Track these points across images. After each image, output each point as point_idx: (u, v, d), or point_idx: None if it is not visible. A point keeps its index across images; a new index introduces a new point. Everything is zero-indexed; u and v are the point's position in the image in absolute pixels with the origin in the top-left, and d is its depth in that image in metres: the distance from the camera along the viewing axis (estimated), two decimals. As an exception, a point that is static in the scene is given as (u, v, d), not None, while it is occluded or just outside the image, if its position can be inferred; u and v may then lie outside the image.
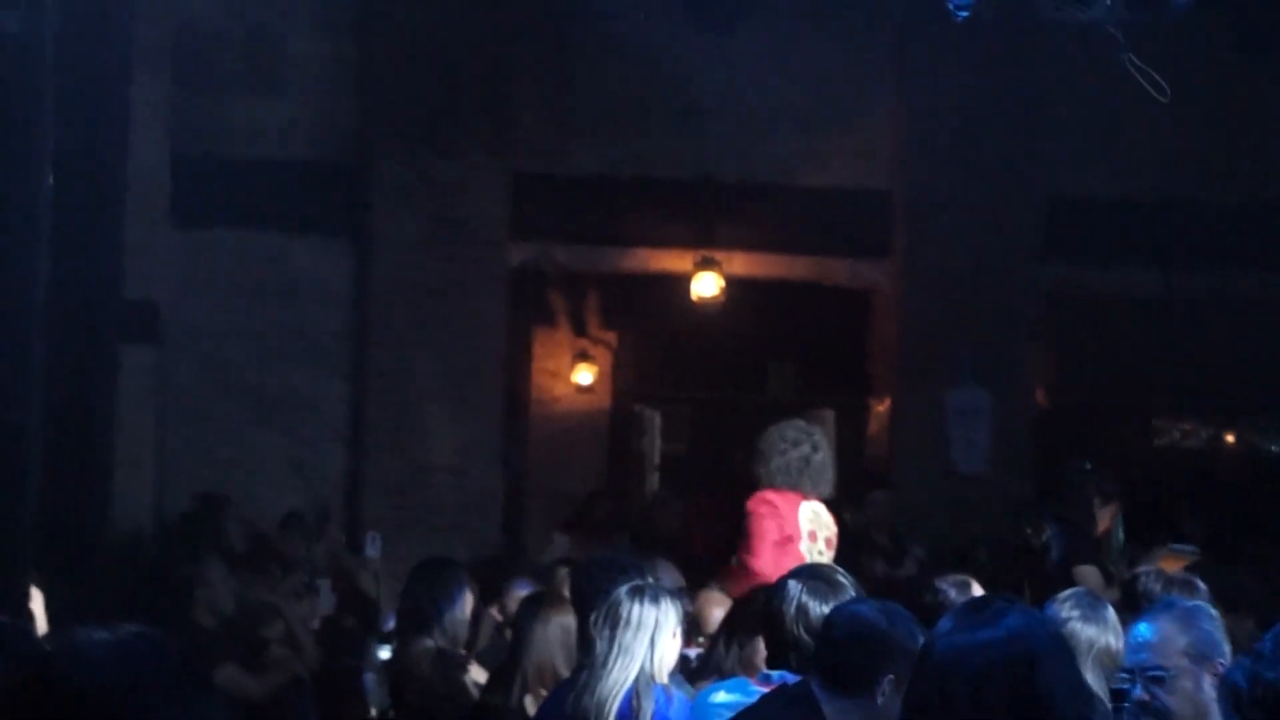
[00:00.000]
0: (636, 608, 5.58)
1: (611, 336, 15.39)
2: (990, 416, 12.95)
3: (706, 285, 13.15)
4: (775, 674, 4.99)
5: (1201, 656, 4.30)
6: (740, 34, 12.60)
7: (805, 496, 7.75)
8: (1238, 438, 15.14)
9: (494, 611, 8.54)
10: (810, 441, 7.80)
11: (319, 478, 12.54)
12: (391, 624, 8.55)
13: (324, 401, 12.71)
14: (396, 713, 7.58)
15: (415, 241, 12.54)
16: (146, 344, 11.84)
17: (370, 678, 8.22)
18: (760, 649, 5.43)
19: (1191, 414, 14.97)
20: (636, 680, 5.53)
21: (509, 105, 12.67)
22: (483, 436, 12.57)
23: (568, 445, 14.99)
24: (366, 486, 12.48)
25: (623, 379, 15.46)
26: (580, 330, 15.27)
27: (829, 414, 15.15)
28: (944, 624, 3.15)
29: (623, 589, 5.66)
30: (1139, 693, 4.26)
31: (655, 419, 16.36)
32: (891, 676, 4.40)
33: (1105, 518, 9.40)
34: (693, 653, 6.81)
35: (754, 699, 4.94)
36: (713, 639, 6.51)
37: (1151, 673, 4.25)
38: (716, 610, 6.85)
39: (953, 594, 5.89)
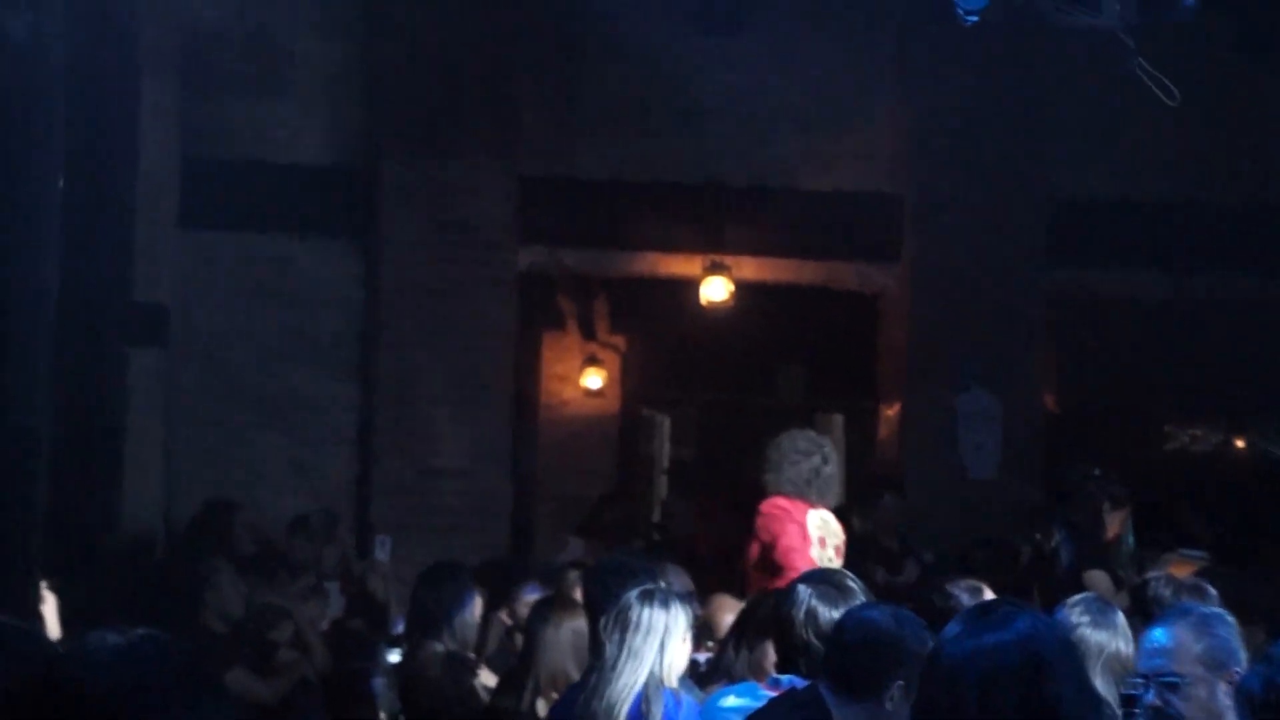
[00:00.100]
0: (646, 612, 5.58)
1: (620, 340, 15.39)
2: (999, 420, 12.94)
3: (715, 289, 13.15)
4: (785, 678, 5.00)
5: (1217, 664, 4.28)
6: (744, 37, 12.59)
7: (813, 505, 7.80)
8: (1246, 442, 15.12)
9: (503, 615, 8.55)
10: (821, 453, 7.87)
11: (327, 481, 12.53)
12: (400, 627, 8.56)
13: (332, 405, 12.71)
14: (406, 716, 7.59)
15: (422, 245, 12.54)
16: (154, 347, 11.85)
17: (379, 681, 8.22)
18: (770, 653, 5.43)
19: (1200, 418, 14.94)
20: (646, 684, 5.54)
21: (515, 108, 12.67)
22: (491, 440, 12.57)
23: (577, 449, 14.99)
24: (375, 490, 12.48)
25: (631, 383, 15.46)
26: (589, 334, 15.27)
27: (837, 418, 15.17)
28: (952, 628, 3.15)
29: (633, 593, 5.67)
30: (1151, 698, 4.25)
31: (664, 423, 16.38)
32: (901, 682, 4.40)
33: (1115, 523, 9.40)
34: (702, 657, 6.82)
35: (763, 703, 4.94)
36: (722, 643, 6.52)
37: (1165, 679, 4.24)
38: (728, 615, 6.86)
39: (964, 598, 5.89)
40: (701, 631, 7.13)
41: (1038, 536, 9.61)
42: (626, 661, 5.55)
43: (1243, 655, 4.40)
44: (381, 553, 10.71)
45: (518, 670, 6.72)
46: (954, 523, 12.43)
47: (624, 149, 12.96)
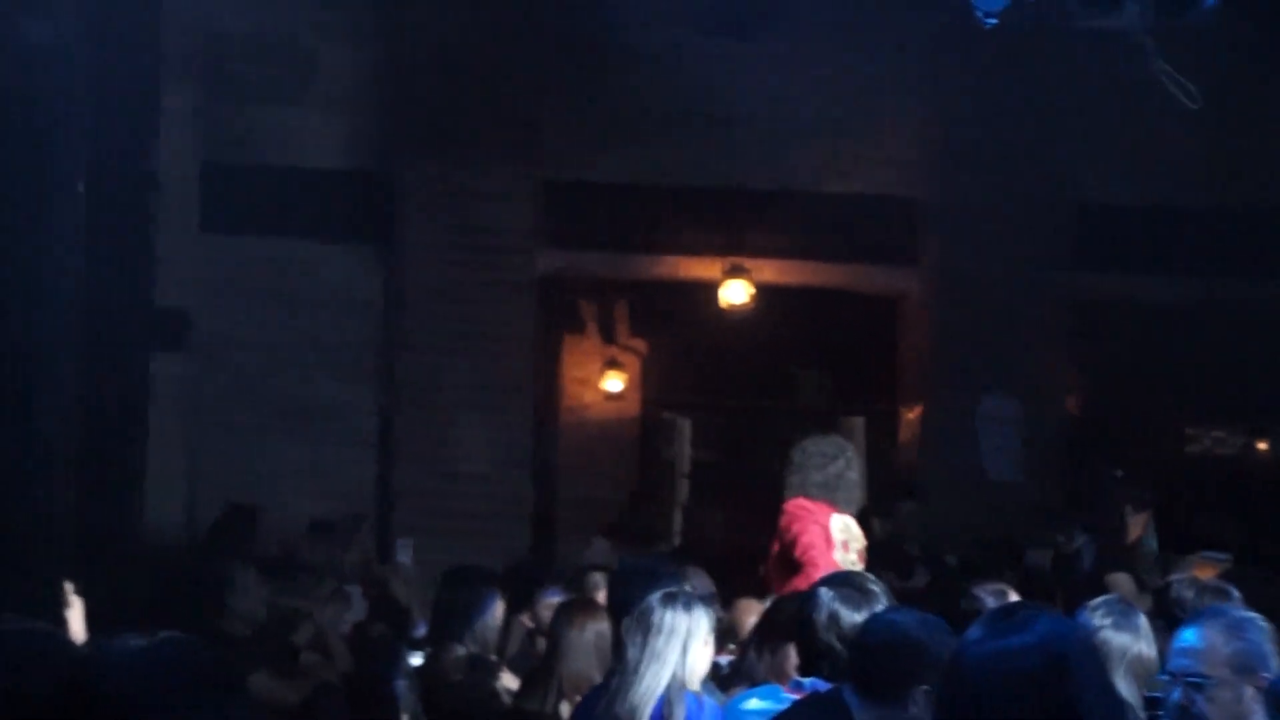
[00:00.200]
0: (669, 614, 5.59)
1: (641, 344, 15.40)
2: (1022, 424, 12.93)
3: (736, 293, 13.15)
4: (807, 681, 4.99)
5: (1245, 668, 4.27)
6: (767, 42, 12.59)
7: (836, 509, 7.82)
8: (1270, 444, 15.09)
9: (524, 619, 8.55)
10: (844, 458, 7.89)
11: (348, 485, 12.55)
12: (422, 631, 8.57)
13: (353, 409, 12.73)
14: (428, 719, 7.59)
15: (443, 249, 12.56)
16: (175, 351, 11.87)
17: (401, 684, 8.21)
18: (792, 656, 5.43)
19: (1223, 421, 14.92)
20: (668, 687, 5.54)
21: (536, 113, 12.69)
22: (512, 444, 12.58)
23: (597, 452, 15.00)
24: (396, 494, 12.50)
25: (652, 386, 15.47)
26: (609, 338, 15.28)
27: (858, 421, 15.16)
28: (974, 631, 3.14)
29: (655, 596, 5.67)
30: (1178, 696, 4.24)
31: (684, 426, 16.37)
32: (926, 687, 4.38)
33: (1137, 525, 9.40)
34: (724, 660, 6.82)
35: (785, 706, 4.94)
36: (744, 646, 6.52)
37: (1192, 679, 4.23)
38: (752, 618, 6.86)
39: (990, 602, 5.88)
40: (725, 635, 7.14)
41: (1059, 539, 9.61)
42: (649, 664, 5.56)
43: (1274, 660, 4.37)
44: (403, 556, 10.73)
45: (540, 673, 6.73)
46: (975, 526, 12.41)
47: (644, 153, 12.97)
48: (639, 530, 13.07)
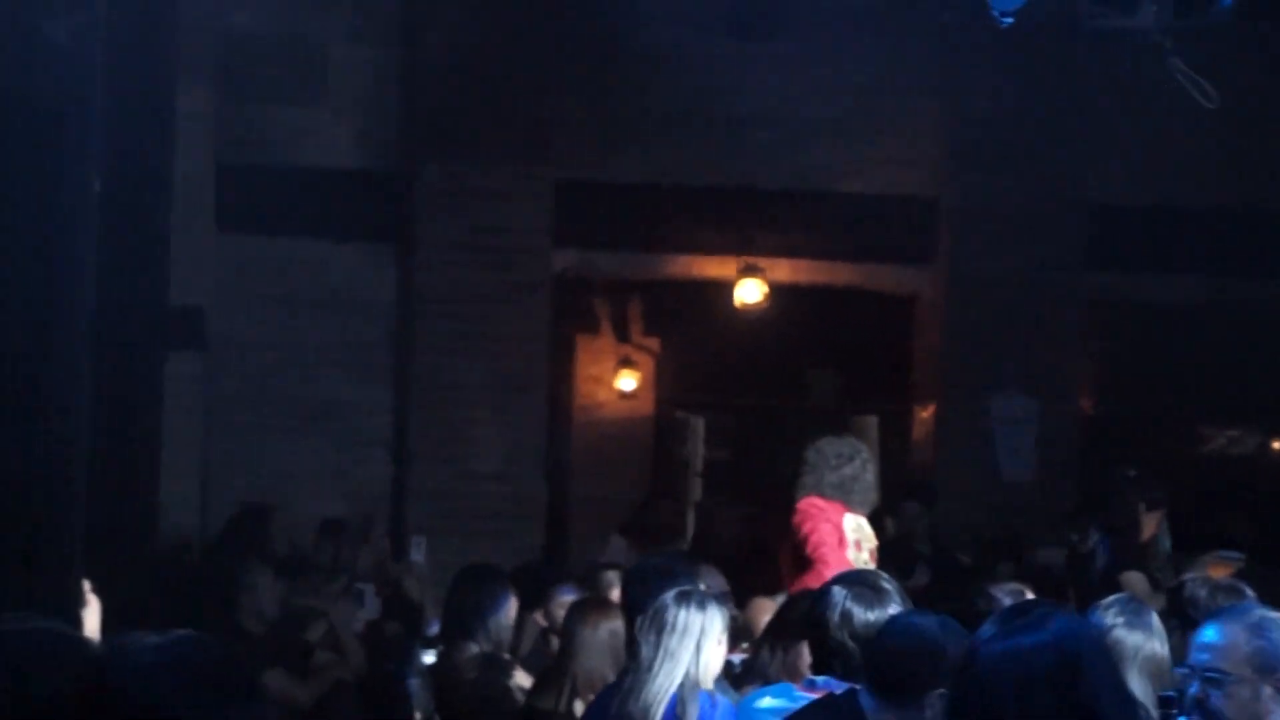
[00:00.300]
0: (683, 613, 5.59)
1: (654, 343, 15.40)
2: (1035, 424, 12.92)
3: (749, 292, 13.15)
4: (820, 680, 4.99)
5: (1265, 667, 4.25)
6: (781, 41, 12.59)
7: (850, 509, 7.85)
8: (1283, 444, 15.07)
9: (538, 617, 8.56)
10: (860, 459, 7.92)
11: (362, 484, 12.58)
12: (436, 629, 8.58)
13: (367, 408, 12.75)
14: (441, 717, 7.60)
15: (458, 249, 12.57)
16: (190, 351, 11.89)
17: (415, 683, 8.23)
18: (805, 654, 5.43)
19: (1238, 420, 14.89)
20: (681, 685, 5.55)
21: (550, 113, 12.70)
22: (526, 443, 12.60)
23: (611, 451, 15.01)
24: (410, 493, 12.52)
25: (665, 385, 15.47)
26: (623, 337, 15.28)
27: (872, 421, 15.15)
28: (987, 629, 3.15)
29: (669, 594, 5.68)
30: (1195, 691, 4.24)
31: (698, 425, 16.37)
32: (942, 691, 4.38)
33: (1150, 524, 9.39)
34: (737, 658, 6.82)
35: (799, 705, 4.94)
36: (757, 644, 6.52)
37: (1210, 674, 4.22)
38: (767, 617, 6.87)
39: (1006, 601, 5.87)
40: (739, 633, 7.14)
41: (1073, 538, 9.61)
42: (662, 663, 5.56)
43: None
44: (417, 554, 10.74)
45: (554, 671, 6.74)
46: (988, 526, 12.42)
47: (658, 152, 12.97)
48: (655, 529, 13.09)
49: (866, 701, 4.55)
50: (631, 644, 5.87)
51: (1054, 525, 11.60)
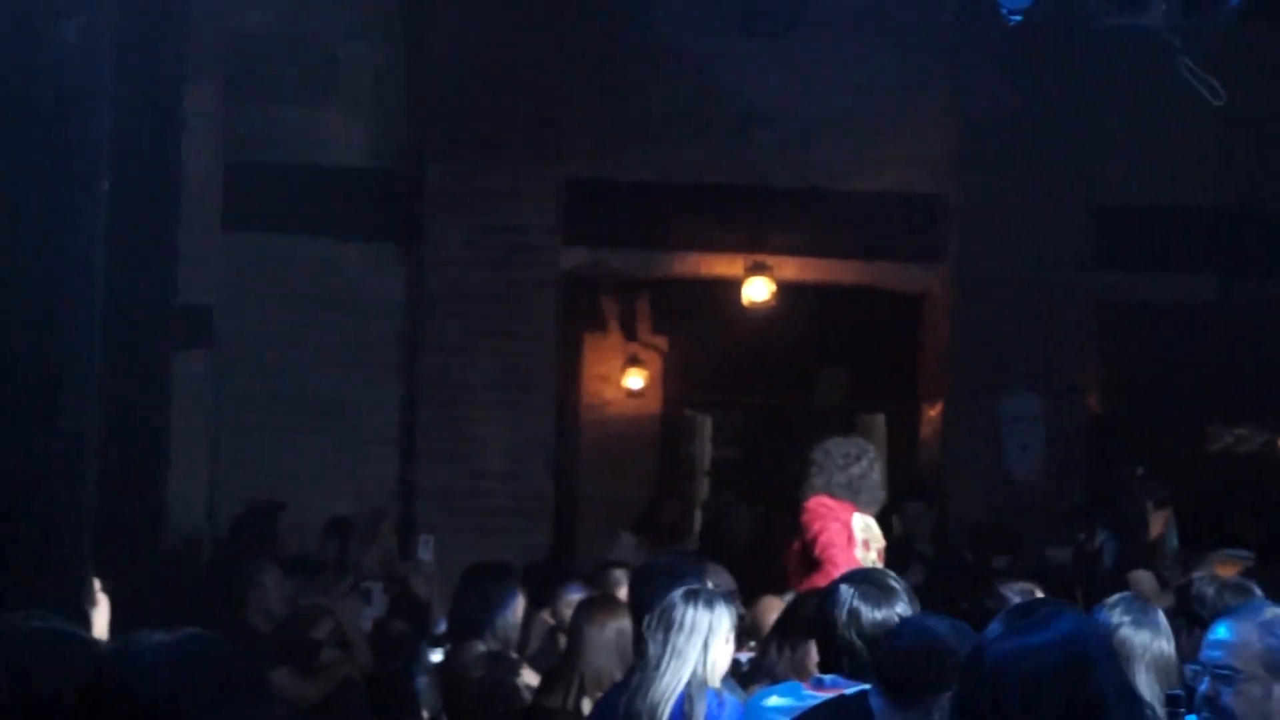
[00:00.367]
0: (690, 611, 5.60)
1: (662, 341, 15.40)
2: (1043, 422, 12.91)
3: (757, 290, 13.15)
4: (828, 678, 5.00)
5: (1277, 666, 4.24)
6: (791, 40, 12.59)
7: (858, 509, 7.86)
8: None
9: (545, 615, 8.57)
10: (867, 459, 7.95)
11: (371, 483, 12.58)
12: (443, 627, 8.59)
13: (376, 407, 12.76)
14: (448, 716, 7.61)
15: (466, 247, 12.58)
16: (199, 350, 11.90)
17: (422, 681, 8.25)
18: (813, 653, 5.43)
19: (1244, 419, 14.88)
20: (689, 684, 5.55)
21: (559, 111, 12.70)
22: (533, 441, 12.60)
23: (618, 450, 15.01)
24: (418, 491, 12.52)
25: (673, 384, 15.47)
26: (631, 335, 15.29)
27: (879, 419, 15.16)
28: (994, 628, 3.15)
29: (677, 593, 5.68)
30: (1205, 687, 4.23)
31: (706, 424, 16.38)
32: (950, 694, 4.38)
33: (1158, 522, 9.40)
34: (744, 657, 6.83)
35: (806, 703, 4.94)
36: (765, 643, 6.53)
37: (1221, 671, 4.22)
38: (774, 615, 6.87)
39: (1016, 600, 5.87)
40: (747, 632, 7.15)
41: (1081, 537, 9.61)
42: (670, 661, 5.57)
43: None
44: (424, 553, 10.75)
45: (561, 669, 6.74)
46: (995, 524, 12.41)
47: (667, 151, 12.98)
48: (664, 527, 13.11)
49: (876, 703, 4.55)
50: (639, 642, 5.87)
51: (1061, 524, 11.60)
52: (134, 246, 8.79)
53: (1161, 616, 5.41)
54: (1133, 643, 5.21)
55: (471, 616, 7.52)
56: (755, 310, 13.29)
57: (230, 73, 12.24)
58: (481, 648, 7.40)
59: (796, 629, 5.98)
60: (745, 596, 7.78)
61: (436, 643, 8.47)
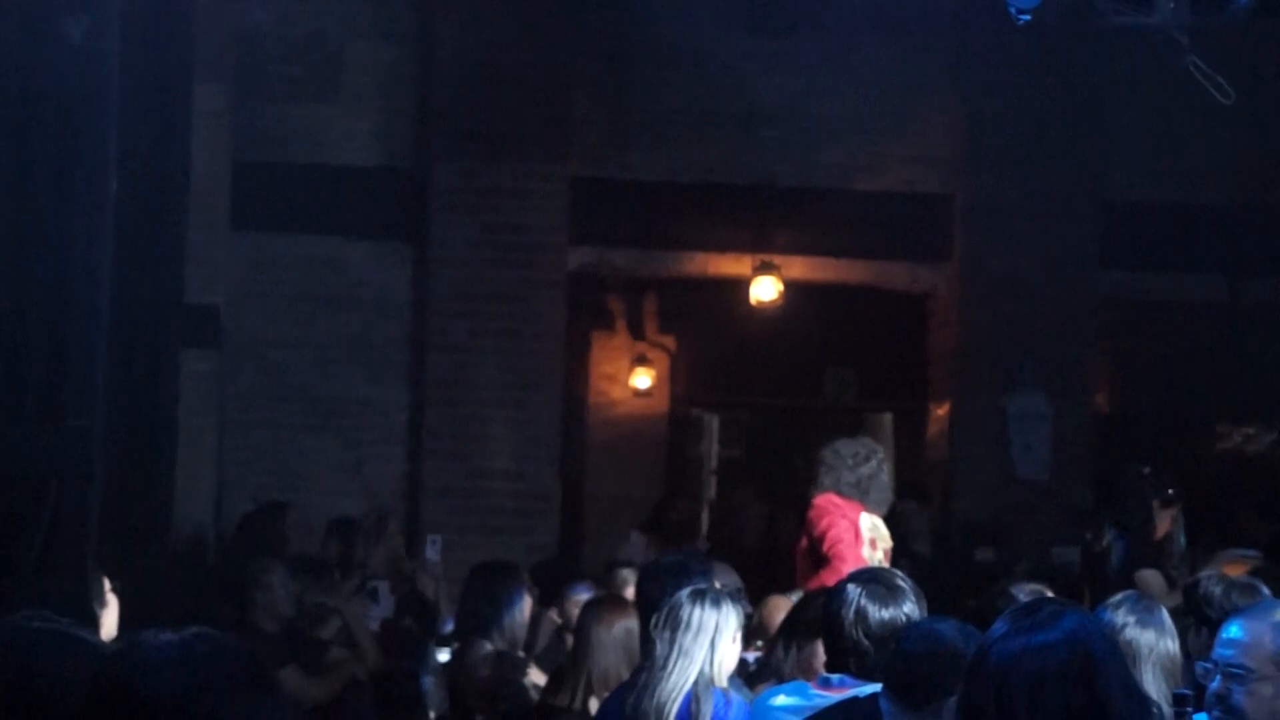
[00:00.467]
0: (697, 611, 5.60)
1: (669, 340, 15.40)
2: (1050, 421, 12.90)
3: (765, 289, 13.15)
4: (835, 678, 5.00)
5: None
6: (798, 39, 12.59)
7: (866, 508, 7.88)
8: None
9: (553, 614, 8.57)
10: (876, 459, 7.98)
11: (378, 482, 12.59)
12: (450, 627, 8.59)
13: (382, 406, 12.76)
14: (455, 715, 7.62)
15: (474, 246, 12.58)
16: (207, 349, 11.91)
17: (429, 680, 8.25)
18: (819, 652, 5.43)
19: (1253, 418, 14.87)
20: (695, 683, 5.55)
21: (566, 110, 12.70)
22: (541, 440, 12.60)
23: (625, 449, 15.01)
24: (425, 491, 12.53)
25: (680, 383, 15.47)
26: (638, 334, 15.29)
27: (886, 418, 15.15)
28: (999, 627, 3.14)
29: (684, 592, 5.69)
30: (1216, 685, 4.23)
31: (713, 423, 16.38)
32: (956, 696, 4.37)
33: (1164, 521, 9.38)
34: (751, 656, 6.83)
35: (813, 703, 4.94)
36: (771, 642, 6.53)
37: (1234, 669, 4.22)
38: (781, 615, 6.88)
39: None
40: (755, 631, 7.15)
41: (1088, 537, 9.60)
42: (677, 660, 5.57)
43: None
44: (432, 552, 10.75)
45: (568, 669, 6.74)
46: (1004, 524, 12.41)
47: (674, 150, 12.98)
48: (674, 526, 13.11)
49: (886, 705, 4.55)
50: (645, 642, 5.87)
51: (1069, 523, 11.59)
52: (141, 245, 8.80)
53: (1166, 615, 5.40)
54: (1139, 642, 5.21)
55: (479, 615, 7.52)
56: (762, 309, 13.28)
57: (237, 72, 12.25)
58: (489, 647, 7.40)
59: (803, 628, 5.98)
60: (757, 596, 7.79)
61: (443, 642, 8.48)
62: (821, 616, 5.24)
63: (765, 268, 13.11)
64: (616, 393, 15.25)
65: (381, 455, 12.73)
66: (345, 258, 12.77)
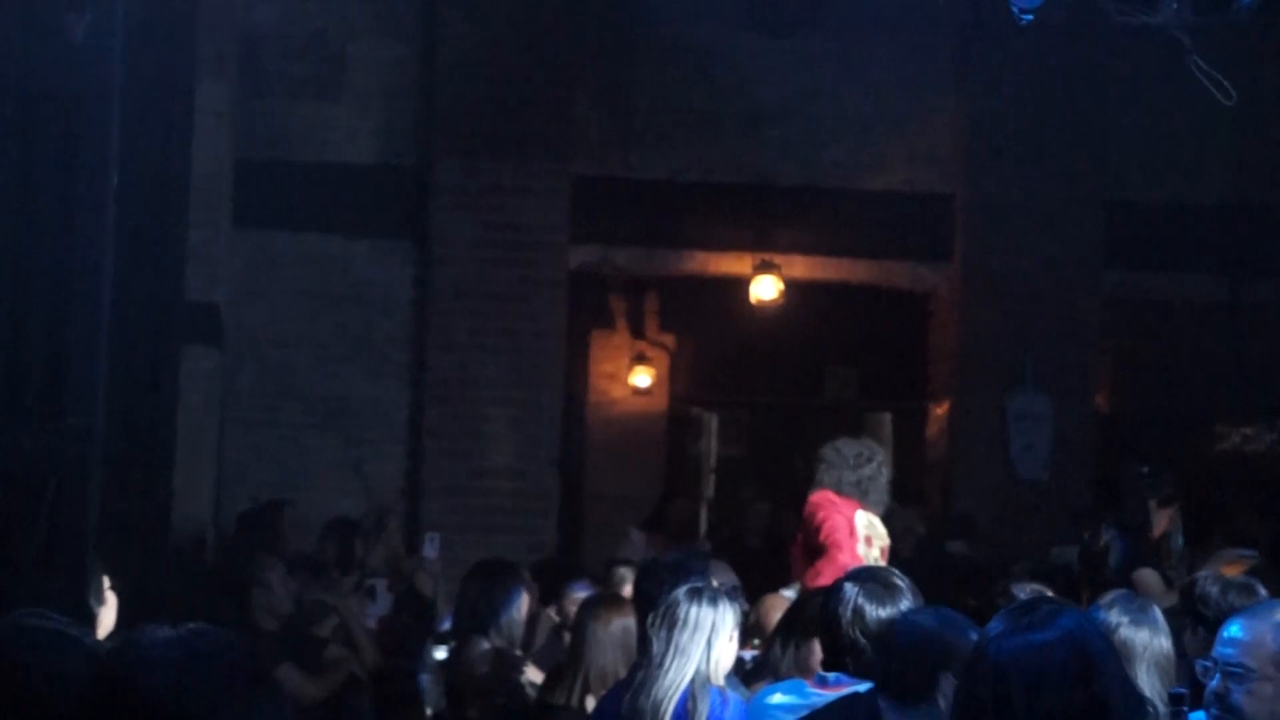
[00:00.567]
0: (694, 609, 5.61)
1: (669, 339, 15.41)
2: (1050, 421, 12.91)
3: (765, 288, 13.15)
4: (831, 676, 5.00)
5: None
6: (801, 38, 12.60)
7: (863, 507, 7.89)
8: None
9: (551, 613, 8.58)
10: (876, 460, 8.01)
11: (378, 480, 12.60)
12: (448, 625, 8.60)
13: (383, 404, 12.77)
14: (452, 713, 7.62)
15: (475, 245, 12.59)
16: (208, 347, 11.91)
17: (426, 678, 8.26)
18: (816, 651, 5.43)
19: (1253, 418, 14.88)
20: (692, 682, 5.56)
21: (568, 109, 12.71)
22: (540, 439, 12.61)
23: (625, 448, 15.02)
24: (425, 489, 12.54)
25: (680, 382, 15.48)
26: (638, 333, 15.29)
27: (886, 418, 15.15)
28: (995, 625, 3.15)
29: (681, 590, 5.69)
30: (1215, 684, 4.24)
31: (712, 422, 16.38)
32: (950, 674, 4.39)
33: (1162, 520, 9.38)
34: (748, 654, 6.84)
35: (810, 701, 4.94)
36: (768, 641, 6.53)
37: (1233, 668, 4.22)
38: (778, 613, 6.88)
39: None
40: (752, 630, 7.16)
41: (1086, 536, 9.60)
42: (673, 659, 5.57)
43: None
44: (430, 550, 10.75)
45: (565, 667, 6.75)
46: (1003, 523, 12.42)
47: (676, 149, 12.99)
48: (675, 525, 13.11)
49: (883, 703, 4.56)
50: (643, 640, 5.88)
51: (1069, 523, 11.59)
52: (143, 243, 8.80)
53: (1159, 614, 5.41)
54: (1133, 642, 5.22)
55: (477, 614, 7.52)
56: (763, 308, 13.29)
57: (240, 70, 12.25)
58: (486, 645, 7.40)
59: (801, 627, 5.98)
60: (758, 595, 7.79)
61: (441, 640, 8.48)
62: (818, 615, 5.24)
63: (766, 267, 13.12)
64: (617, 391, 15.26)
65: (382, 454, 12.74)
66: (347, 256, 12.77)
